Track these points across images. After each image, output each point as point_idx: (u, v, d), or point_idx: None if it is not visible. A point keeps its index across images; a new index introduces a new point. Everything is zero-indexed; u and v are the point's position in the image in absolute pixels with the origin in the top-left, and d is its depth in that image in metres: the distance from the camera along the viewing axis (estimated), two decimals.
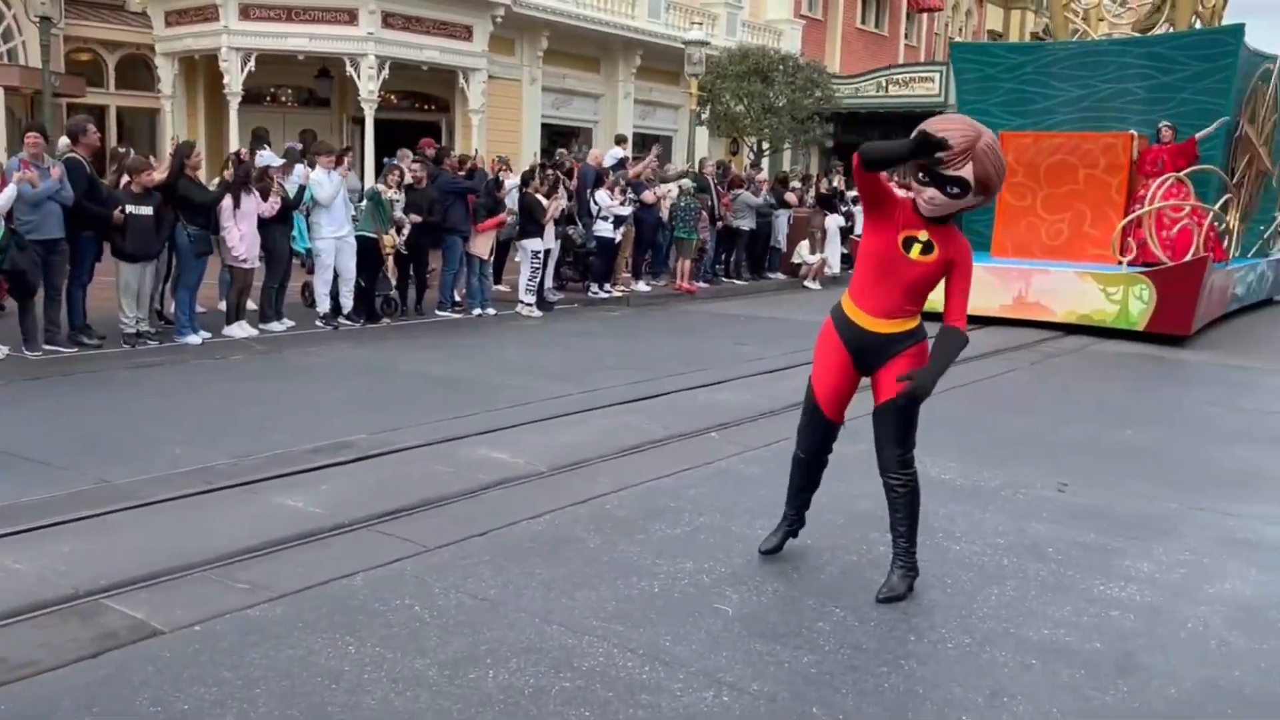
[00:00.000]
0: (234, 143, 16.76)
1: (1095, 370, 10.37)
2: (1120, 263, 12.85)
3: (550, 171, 13.41)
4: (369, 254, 11.38)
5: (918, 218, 4.03)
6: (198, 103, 20.27)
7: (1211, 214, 13.03)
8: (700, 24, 21.44)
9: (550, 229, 13.10)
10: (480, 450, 6.39)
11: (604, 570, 4.49)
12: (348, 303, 11.25)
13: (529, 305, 12.86)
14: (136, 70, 20.12)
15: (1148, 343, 11.84)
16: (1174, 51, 13.94)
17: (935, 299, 4.06)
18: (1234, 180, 14.31)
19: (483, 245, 12.60)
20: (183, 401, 7.60)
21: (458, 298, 12.72)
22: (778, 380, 9.08)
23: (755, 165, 23.09)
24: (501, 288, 13.90)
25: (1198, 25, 16.03)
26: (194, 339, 9.72)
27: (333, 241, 10.93)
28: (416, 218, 11.63)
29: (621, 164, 16.28)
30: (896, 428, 4.20)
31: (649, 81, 25.33)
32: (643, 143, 23.33)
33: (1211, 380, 9.90)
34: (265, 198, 10.32)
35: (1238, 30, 13.86)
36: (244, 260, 10.22)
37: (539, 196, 12.69)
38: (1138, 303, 12.06)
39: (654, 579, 4.41)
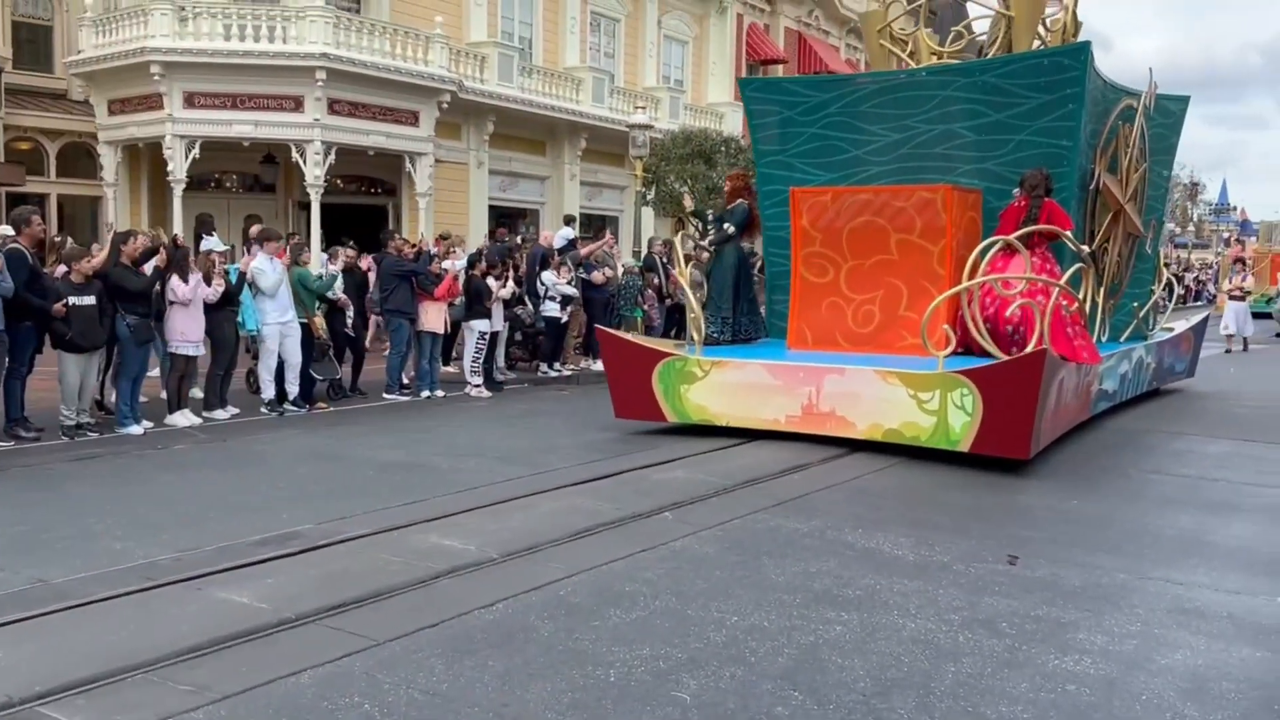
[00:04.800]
0: (178, 229, 16.64)
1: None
2: (938, 357, 8.97)
3: (509, 259, 13.69)
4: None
5: None
6: (141, 190, 20.16)
7: (1057, 290, 9.33)
8: (644, 108, 21.88)
9: (498, 310, 13.17)
10: (431, 537, 6.30)
11: (558, 660, 4.42)
12: (293, 389, 11.14)
13: (477, 386, 12.82)
14: (78, 158, 20.03)
15: (976, 468, 8.59)
16: (1005, 80, 10.60)
17: None
18: (1094, 245, 11.30)
19: (435, 319, 12.55)
20: (123, 494, 7.43)
21: (405, 380, 12.66)
22: (730, 457, 9.10)
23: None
24: (450, 369, 13.85)
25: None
26: (135, 429, 9.55)
27: (278, 327, 10.87)
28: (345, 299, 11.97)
29: (572, 244, 16.43)
30: None
31: (594, 164, 25.73)
32: (588, 223, 23.57)
33: (1152, 448, 10.07)
34: (208, 283, 10.24)
35: (1081, 50, 10.51)
36: (186, 346, 10.11)
37: (487, 280, 12.78)
38: (959, 413, 8.63)
39: (610, 667, 4.35)
